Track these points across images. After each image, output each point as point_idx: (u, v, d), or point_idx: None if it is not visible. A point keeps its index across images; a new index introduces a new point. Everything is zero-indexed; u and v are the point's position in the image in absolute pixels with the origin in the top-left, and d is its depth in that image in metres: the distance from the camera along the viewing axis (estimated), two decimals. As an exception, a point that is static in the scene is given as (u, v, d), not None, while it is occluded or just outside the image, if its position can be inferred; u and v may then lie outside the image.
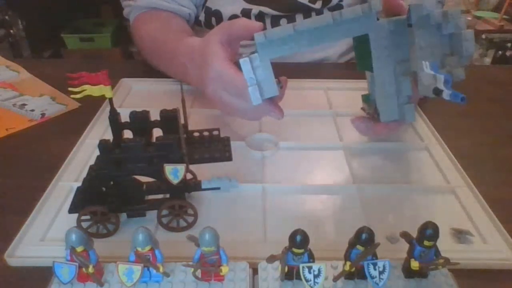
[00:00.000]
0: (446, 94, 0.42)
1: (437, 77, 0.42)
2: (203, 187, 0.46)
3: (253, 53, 0.47)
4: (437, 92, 0.43)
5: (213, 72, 0.52)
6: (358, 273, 0.37)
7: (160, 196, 0.47)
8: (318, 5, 0.82)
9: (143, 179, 0.46)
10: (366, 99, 0.58)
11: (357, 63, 0.56)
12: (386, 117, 0.53)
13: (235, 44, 0.55)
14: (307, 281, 0.35)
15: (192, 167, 0.48)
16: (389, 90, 0.51)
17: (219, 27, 0.54)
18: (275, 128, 0.63)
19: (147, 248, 0.36)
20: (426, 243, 0.36)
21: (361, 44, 0.51)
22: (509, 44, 2.17)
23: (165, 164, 0.42)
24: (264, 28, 0.50)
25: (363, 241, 0.35)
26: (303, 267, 0.35)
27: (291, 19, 0.83)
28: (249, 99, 0.48)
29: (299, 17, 0.83)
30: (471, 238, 0.45)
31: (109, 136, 0.44)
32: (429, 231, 0.35)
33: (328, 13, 0.46)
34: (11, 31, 2.06)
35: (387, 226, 0.46)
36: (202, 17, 0.85)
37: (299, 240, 0.34)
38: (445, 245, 0.40)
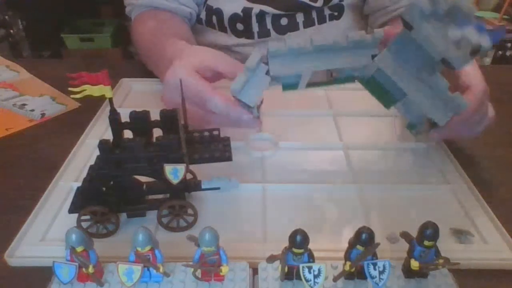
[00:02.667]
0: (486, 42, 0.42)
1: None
2: (203, 187, 0.46)
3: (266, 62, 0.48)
4: (475, 50, 0.42)
5: (173, 75, 0.52)
6: (358, 273, 0.37)
7: (160, 196, 0.47)
8: (319, 4, 0.82)
9: (143, 179, 0.46)
10: (411, 127, 0.54)
11: (383, 104, 0.54)
12: (442, 120, 0.50)
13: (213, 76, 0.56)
14: (307, 281, 0.35)
15: (192, 167, 0.48)
16: (428, 95, 0.49)
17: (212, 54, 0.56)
18: (275, 128, 0.63)
19: (147, 248, 0.36)
20: (426, 243, 0.36)
21: (372, 86, 0.52)
22: (509, 44, 2.17)
23: (165, 164, 0.42)
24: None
25: (363, 241, 0.35)
26: (303, 267, 0.35)
27: (291, 18, 0.83)
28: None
29: (299, 16, 0.83)
30: (471, 238, 0.45)
31: (109, 136, 0.44)
32: (429, 231, 0.35)
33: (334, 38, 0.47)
34: (11, 31, 2.05)
35: (387, 226, 0.46)
36: (203, 15, 0.85)
37: (299, 240, 0.34)
38: (445, 245, 0.39)
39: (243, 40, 0.85)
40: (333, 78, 0.53)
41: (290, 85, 0.51)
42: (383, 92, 0.51)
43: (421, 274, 0.38)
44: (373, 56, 0.49)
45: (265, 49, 0.49)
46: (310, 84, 0.52)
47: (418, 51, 0.45)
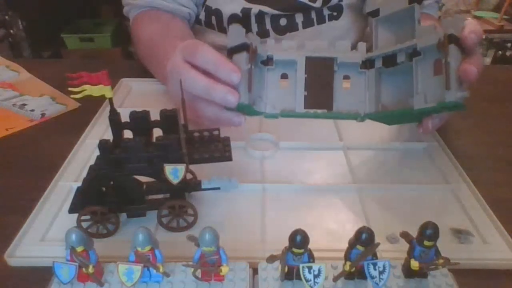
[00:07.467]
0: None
1: None
2: (203, 187, 0.46)
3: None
4: None
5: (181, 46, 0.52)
6: (358, 273, 0.37)
7: (160, 196, 0.47)
8: (318, 4, 0.82)
9: (143, 179, 0.46)
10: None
11: (406, 122, 0.56)
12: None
13: None
14: (307, 281, 0.35)
15: (192, 167, 0.48)
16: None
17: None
18: (275, 128, 0.63)
19: (147, 248, 0.36)
20: (426, 243, 0.36)
21: (382, 118, 0.52)
22: (509, 44, 2.18)
23: (165, 164, 0.42)
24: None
25: (363, 241, 0.35)
26: (303, 267, 0.35)
27: (290, 18, 0.83)
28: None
29: (298, 17, 0.83)
30: (471, 238, 0.45)
31: (109, 136, 0.44)
32: (429, 231, 0.35)
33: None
34: (11, 31, 2.06)
35: (387, 226, 0.46)
36: (202, 16, 0.85)
37: (299, 240, 0.34)
38: (445, 245, 0.39)
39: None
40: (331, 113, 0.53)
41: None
42: (395, 115, 0.51)
43: (421, 274, 0.38)
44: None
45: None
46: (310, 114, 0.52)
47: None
